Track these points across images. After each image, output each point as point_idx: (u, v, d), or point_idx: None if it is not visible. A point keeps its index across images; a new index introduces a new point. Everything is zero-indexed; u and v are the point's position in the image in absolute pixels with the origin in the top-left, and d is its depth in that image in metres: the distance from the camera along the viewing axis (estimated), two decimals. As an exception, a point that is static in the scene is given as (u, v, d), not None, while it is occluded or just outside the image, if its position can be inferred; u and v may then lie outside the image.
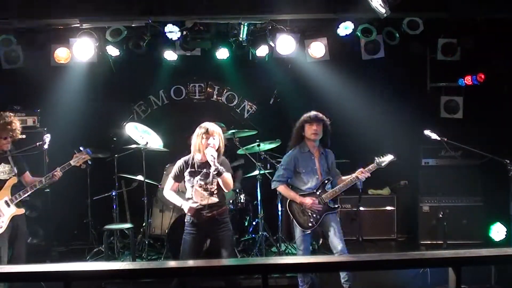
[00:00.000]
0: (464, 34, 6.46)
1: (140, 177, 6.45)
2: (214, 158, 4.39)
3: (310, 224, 5.05)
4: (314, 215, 5.02)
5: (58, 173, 4.96)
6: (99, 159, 6.53)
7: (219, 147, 4.54)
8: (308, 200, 5.01)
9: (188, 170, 4.56)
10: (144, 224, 6.54)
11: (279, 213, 6.36)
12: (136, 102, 7.90)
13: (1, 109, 6.25)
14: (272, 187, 5.27)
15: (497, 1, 6.05)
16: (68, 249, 7.02)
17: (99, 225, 6.74)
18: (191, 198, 4.56)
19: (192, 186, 4.54)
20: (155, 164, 6.57)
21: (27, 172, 5.13)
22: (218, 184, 4.53)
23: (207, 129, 4.52)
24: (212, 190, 4.52)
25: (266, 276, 1.90)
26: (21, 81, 6.89)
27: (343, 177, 5.14)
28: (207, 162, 4.51)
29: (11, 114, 5.01)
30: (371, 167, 4.99)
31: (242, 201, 6.54)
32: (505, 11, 6.02)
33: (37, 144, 5.05)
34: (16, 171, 4.95)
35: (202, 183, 4.51)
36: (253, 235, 6.43)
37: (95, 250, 6.55)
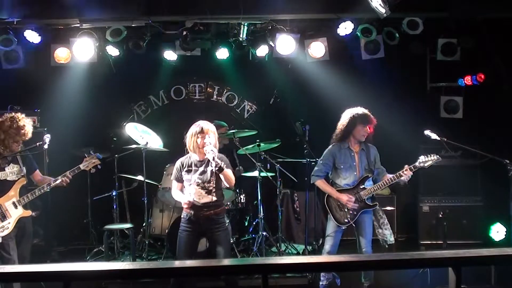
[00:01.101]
0: (464, 34, 6.46)
1: (140, 177, 6.45)
2: (215, 154, 4.39)
3: (346, 220, 5.01)
4: (351, 212, 5.00)
5: (67, 179, 4.92)
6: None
7: (215, 145, 4.55)
8: (344, 197, 4.97)
9: (185, 169, 4.58)
10: (144, 224, 6.54)
11: (279, 213, 6.36)
12: (136, 102, 7.90)
13: (1, 109, 6.29)
14: (311, 181, 5.23)
15: (497, 1, 6.05)
16: (68, 249, 7.01)
17: (99, 225, 6.74)
18: (190, 196, 4.56)
19: (190, 185, 4.55)
20: (155, 164, 6.57)
21: (37, 171, 5.11)
22: (216, 182, 4.53)
23: (202, 128, 4.52)
24: (210, 188, 4.51)
25: (266, 276, 1.89)
26: (21, 81, 6.90)
27: (388, 175, 5.05)
28: (203, 161, 4.53)
29: (22, 116, 4.92)
30: (414, 166, 4.92)
31: (242, 201, 6.54)
32: (505, 11, 6.02)
33: (37, 144, 5.03)
34: (25, 171, 4.92)
35: (200, 181, 4.52)
36: (253, 235, 6.42)
37: (95, 250, 6.55)
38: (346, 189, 5.04)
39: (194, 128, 4.56)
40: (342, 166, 5.07)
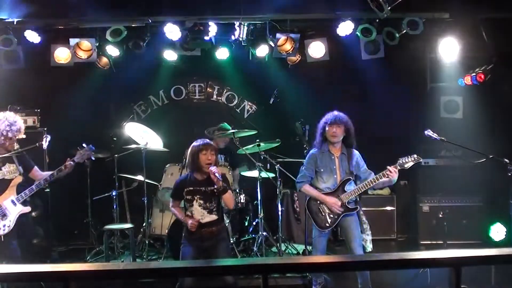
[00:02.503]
0: (464, 34, 6.46)
1: (140, 177, 6.45)
2: (220, 176, 4.37)
3: (327, 224, 4.99)
4: (332, 215, 4.97)
5: (69, 163, 4.93)
6: (99, 159, 6.53)
7: (217, 162, 4.56)
8: (331, 199, 4.95)
9: (187, 189, 4.51)
10: (144, 224, 6.54)
11: (279, 213, 6.36)
12: (136, 102, 7.90)
13: (1, 109, 6.29)
14: (297, 188, 5.23)
15: (497, 1, 6.05)
16: (68, 249, 7.02)
17: (99, 225, 6.75)
18: (191, 217, 4.50)
19: (192, 206, 4.50)
20: (155, 164, 6.57)
21: (35, 168, 5.09)
22: (217, 202, 4.52)
23: (205, 145, 4.49)
24: (212, 208, 4.49)
25: (266, 276, 1.89)
26: (21, 81, 6.90)
27: (371, 177, 4.96)
28: (205, 180, 4.49)
29: (13, 114, 4.95)
30: (395, 167, 4.83)
31: (242, 201, 6.54)
32: (505, 11, 6.02)
33: (37, 144, 5.04)
34: (21, 171, 4.91)
35: (202, 202, 4.48)
36: (253, 235, 6.43)
37: (95, 250, 6.56)
38: (327, 193, 5.02)
39: (196, 146, 4.51)
40: (322, 170, 5.07)
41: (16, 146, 5.02)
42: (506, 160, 4.93)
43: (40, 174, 5.08)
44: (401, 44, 6.52)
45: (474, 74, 6.75)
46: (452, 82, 7.12)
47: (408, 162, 4.86)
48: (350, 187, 5.01)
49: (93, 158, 5.38)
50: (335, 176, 5.05)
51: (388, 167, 4.82)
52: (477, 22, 6.32)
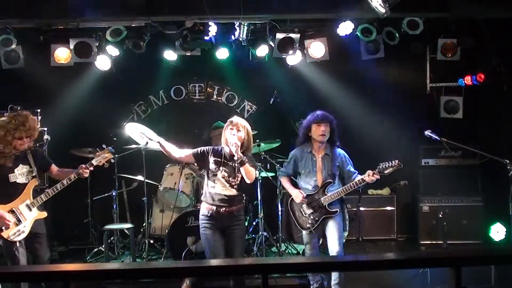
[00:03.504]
0: (464, 34, 6.46)
1: (140, 177, 6.45)
2: (238, 147, 4.43)
3: (308, 226, 5.01)
4: (312, 217, 4.98)
5: (85, 170, 4.73)
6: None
7: (244, 140, 4.57)
8: (293, 191, 5.01)
9: (215, 158, 4.59)
10: (144, 224, 6.54)
11: (279, 213, 6.36)
12: (136, 102, 7.90)
13: (1, 109, 6.29)
14: (279, 179, 5.32)
15: (497, 1, 6.05)
16: (68, 249, 7.02)
17: (99, 225, 6.74)
18: (214, 188, 4.56)
19: (216, 175, 4.56)
20: (155, 164, 6.57)
21: (53, 165, 4.92)
22: (241, 179, 4.56)
23: (232, 121, 4.60)
24: (234, 184, 4.56)
25: (266, 276, 1.89)
26: (21, 81, 6.89)
27: (355, 180, 4.89)
28: (233, 156, 4.52)
29: (27, 113, 4.77)
30: (375, 172, 4.75)
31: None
32: (505, 11, 6.02)
33: (37, 144, 5.00)
34: (36, 172, 4.73)
35: (226, 174, 4.55)
36: (253, 235, 6.42)
37: (95, 250, 6.55)
38: (307, 195, 5.00)
39: (227, 122, 4.63)
40: (302, 171, 5.05)
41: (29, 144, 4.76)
42: (506, 160, 4.93)
43: (58, 171, 4.89)
44: (401, 44, 6.53)
45: (474, 74, 6.76)
46: (452, 82, 7.12)
47: (388, 168, 4.75)
48: (331, 190, 4.95)
49: (113, 161, 5.18)
50: (315, 178, 5.00)
51: (368, 171, 4.78)
52: (477, 22, 6.32)
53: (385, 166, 4.76)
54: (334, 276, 4.96)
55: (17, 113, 4.80)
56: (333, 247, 4.93)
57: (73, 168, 4.90)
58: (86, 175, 4.79)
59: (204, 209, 4.60)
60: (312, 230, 4.99)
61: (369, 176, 4.76)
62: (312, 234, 5.04)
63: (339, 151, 5.09)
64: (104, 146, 5.01)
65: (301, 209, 5.02)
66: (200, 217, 4.65)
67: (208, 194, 4.59)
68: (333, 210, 4.96)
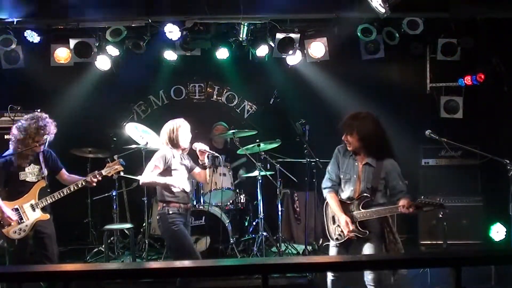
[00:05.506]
0: (464, 34, 6.46)
1: (140, 177, 6.44)
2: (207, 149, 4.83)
3: (335, 236, 4.28)
4: (341, 228, 4.22)
5: (93, 179, 4.76)
6: (99, 159, 6.53)
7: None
8: (342, 218, 4.14)
9: (175, 159, 4.78)
10: (144, 224, 6.54)
11: (279, 213, 6.36)
12: (136, 102, 7.90)
13: (1, 109, 6.28)
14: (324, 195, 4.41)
15: (497, 1, 6.05)
16: (68, 249, 7.01)
17: (99, 225, 6.74)
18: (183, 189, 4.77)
19: (181, 175, 4.78)
20: (155, 164, 6.56)
21: (63, 170, 4.93)
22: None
23: (182, 123, 4.96)
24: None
25: (266, 276, 1.90)
26: (21, 81, 6.90)
27: (394, 205, 4.09)
28: (184, 154, 4.89)
29: (46, 116, 4.78)
30: (412, 207, 4.00)
31: (242, 201, 6.55)
32: (505, 11, 6.03)
33: (37, 144, 4.99)
34: (46, 173, 4.75)
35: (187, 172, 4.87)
36: (253, 235, 6.43)
37: (95, 250, 6.55)
38: (343, 203, 4.24)
39: (177, 123, 4.94)
40: (342, 176, 4.28)
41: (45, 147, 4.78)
42: (506, 160, 4.93)
43: (67, 177, 4.91)
44: (401, 44, 6.53)
45: (474, 74, 6.76)
46: (452, 82, 7.12)
47: (429, 206, 4.03)
48: (369, 206, 4.16)
49: (122, 174, 5.20)
50: (352, 188, 4.21)
51: (406, 204, 4.01)
52: (477, 22, 6.33)
53: (426, 202, 4.04)
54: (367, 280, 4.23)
55: (37, 115, 4.75)
56: (367, 273, 4.16)
57: (75, 171, 4.98)
58: (94, 184, 4.82)
59: (173, 207, 4.71)
60: (338, 244, 4.26)
61: (403, 208, 4.02)
62: (339, 250, 4.29)
63: (387, 162, 4.20)
64: (115, 157, 5.04)
65: (335, 217, 4.28)
66: (170, 213, 4.69)
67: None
68: (363, 231, 4.16)
